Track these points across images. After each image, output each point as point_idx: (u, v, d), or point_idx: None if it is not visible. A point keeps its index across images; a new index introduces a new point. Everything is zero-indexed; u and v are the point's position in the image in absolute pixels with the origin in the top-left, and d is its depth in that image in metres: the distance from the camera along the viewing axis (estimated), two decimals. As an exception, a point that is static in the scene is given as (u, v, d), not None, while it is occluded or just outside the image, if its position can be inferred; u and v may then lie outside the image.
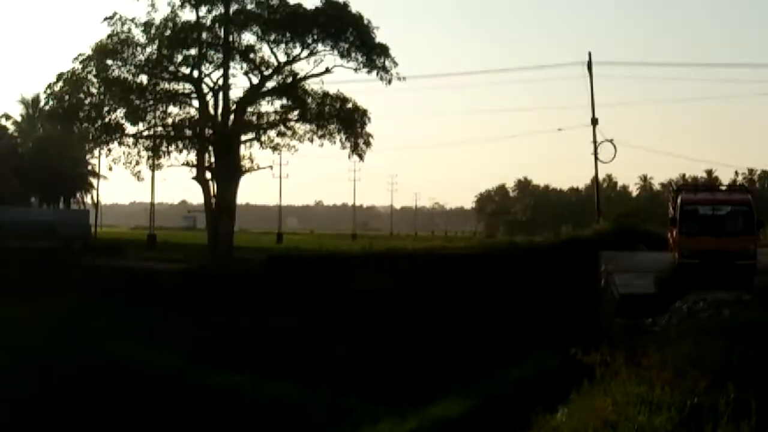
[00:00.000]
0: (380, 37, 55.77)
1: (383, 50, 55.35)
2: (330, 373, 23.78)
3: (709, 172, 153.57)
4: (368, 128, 57.01)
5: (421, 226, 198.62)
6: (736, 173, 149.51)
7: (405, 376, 24.11)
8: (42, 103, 68.83)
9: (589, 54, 57.83)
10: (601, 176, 67.53)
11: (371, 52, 55.11)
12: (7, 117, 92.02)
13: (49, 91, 55.99)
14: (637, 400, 14.10)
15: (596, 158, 56.62)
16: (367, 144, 57.09)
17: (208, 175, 55.88)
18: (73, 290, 42.71)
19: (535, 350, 28.75)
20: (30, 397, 20.88)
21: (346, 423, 19.40)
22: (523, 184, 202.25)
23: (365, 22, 55.24)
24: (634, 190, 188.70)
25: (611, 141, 56.17)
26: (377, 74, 55.38)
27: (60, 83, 55.05)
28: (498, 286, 39.08)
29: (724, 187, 39.02)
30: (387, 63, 55.35)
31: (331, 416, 19.85)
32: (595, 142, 56.53)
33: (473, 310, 36.25)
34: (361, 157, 57.85)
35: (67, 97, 55.01)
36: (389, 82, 55.36)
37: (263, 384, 22.38)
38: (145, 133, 56.91)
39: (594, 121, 56.66)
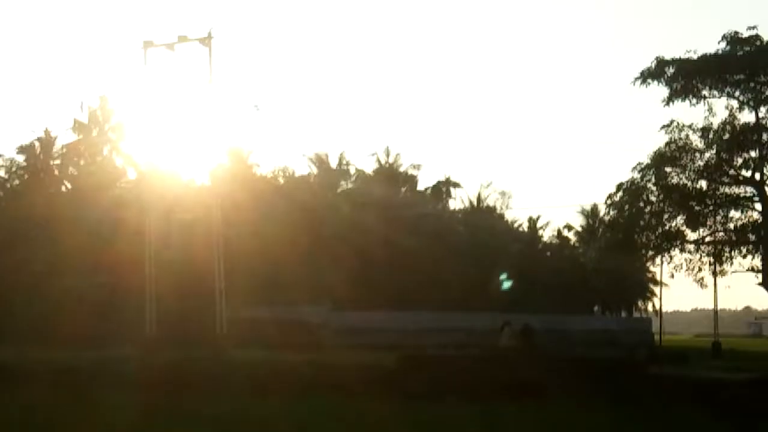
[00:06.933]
0: None
1: None
2: None
3: None
4: None
5: None
6: None
7: None
8: (602, 213, 70.73)
9: None
10: None
11: None
12: (569, 228, 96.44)
13: (609, 202, 57.40)
14: None
15: None
16: None
17: (775, 281, 53.29)
18: (638, 399, 42.24)
19: None
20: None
21: None
22: None
23: None
24: None
25: None
26: None
27: (620, 193, 56.15)
28: None
29: None
30: None
31: None
32: None
33: None
34: None
35: (626, 206, 56.02)
36: None
37: None
38: (707, 239, 56.17)
39: None
